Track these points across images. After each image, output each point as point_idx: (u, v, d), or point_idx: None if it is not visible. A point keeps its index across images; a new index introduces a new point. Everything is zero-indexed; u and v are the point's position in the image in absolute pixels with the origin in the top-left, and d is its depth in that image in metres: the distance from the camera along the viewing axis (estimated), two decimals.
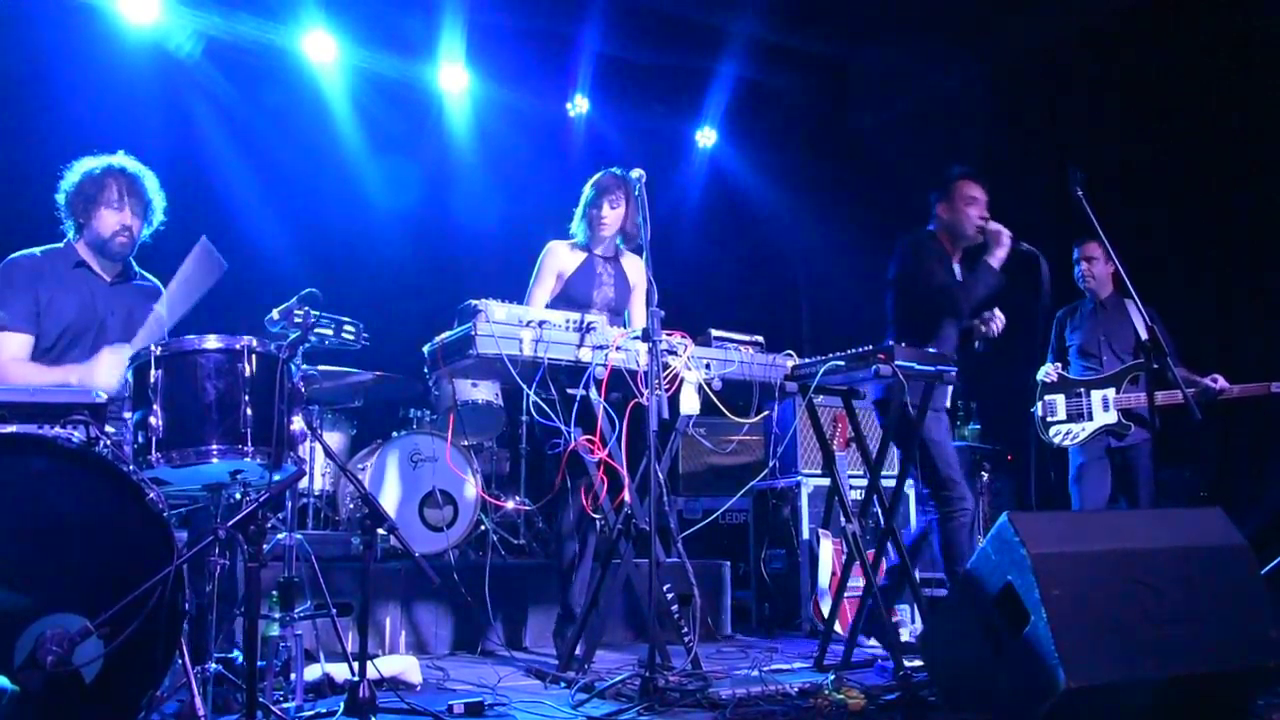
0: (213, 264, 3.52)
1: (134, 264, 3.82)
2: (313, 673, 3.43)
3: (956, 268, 4.66)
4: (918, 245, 4.65)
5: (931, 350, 4.21)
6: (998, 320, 4.63)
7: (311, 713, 3.08)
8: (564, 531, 4.44)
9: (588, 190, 4.60)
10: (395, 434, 5.62)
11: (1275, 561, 4.06)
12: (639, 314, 4.62)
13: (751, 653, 4.69)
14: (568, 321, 3.85)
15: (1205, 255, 6.22)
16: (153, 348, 2.90)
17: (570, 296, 4.49)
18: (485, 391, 5.87)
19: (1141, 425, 5.21)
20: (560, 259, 4.57)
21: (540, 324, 3.78)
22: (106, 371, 3.32)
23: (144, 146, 3.91)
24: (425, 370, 4.10)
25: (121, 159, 3.71)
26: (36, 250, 3.65)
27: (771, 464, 4.99)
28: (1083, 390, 5.40)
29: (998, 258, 4.49)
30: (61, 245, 3.70)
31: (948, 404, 4.74)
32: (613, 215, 4.53)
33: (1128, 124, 6.57)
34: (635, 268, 4.67)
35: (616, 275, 4.62)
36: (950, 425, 4.99)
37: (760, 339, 4.27)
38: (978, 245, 4.61)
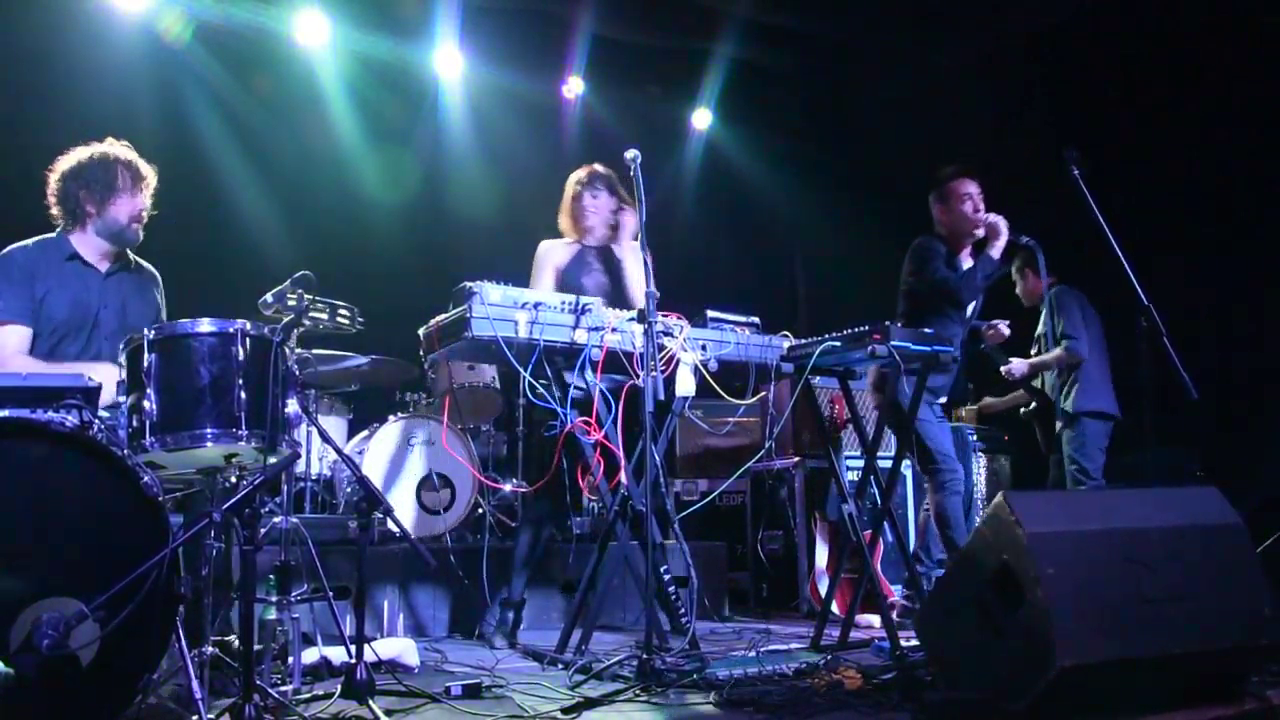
0: None
1: (129, 252, 3.79)
2: (310, 656, 3.44)
3: (968, 261, 4.87)
4: (919, 248, 4.91)
5: (927, 331, 4.21)
6: (1000, 331, 4.95)
7: (309, 695, 3.08)
8: (531, 518, 4.51)
9: (570, 186, 4.68)
10: (392, 417, 5.61)
11: (1271, 540, 4.06)
12: (632, 288, 4.61)
13: (748, 634, 4.70)
14: (563, 303, 3.84)
15: (1205, 238, 6.20)
16: (146, 331, 2.89)
17: (566, 287, 4.50)
18: (481, 374, 5.87)
19: None
20: (555, 254, 4.63)
21: (536, 306, 3.77)
22: (104, 379, 3.29)
23: (137, 132, 3.88)
24: (421, 354, 4.09)
25: (121, 147, 3.67)
26: (29, 242, 3.61)
27: (768, 445, 4.98)
28: None
29: (997, 248, 4.72)
30: (54, 236, 3.65)
31: (944, 397, 4.87)
32: (595, 205, 4.61)
33: (1126, 106, 6.54)
34: (627, 249, 4.68)
35: (608, 262, 4.64)
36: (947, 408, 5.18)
37: (756, 320, 4.26)
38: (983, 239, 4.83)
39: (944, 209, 4.94)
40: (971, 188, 4.89)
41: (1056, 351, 5.56)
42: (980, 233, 4.81)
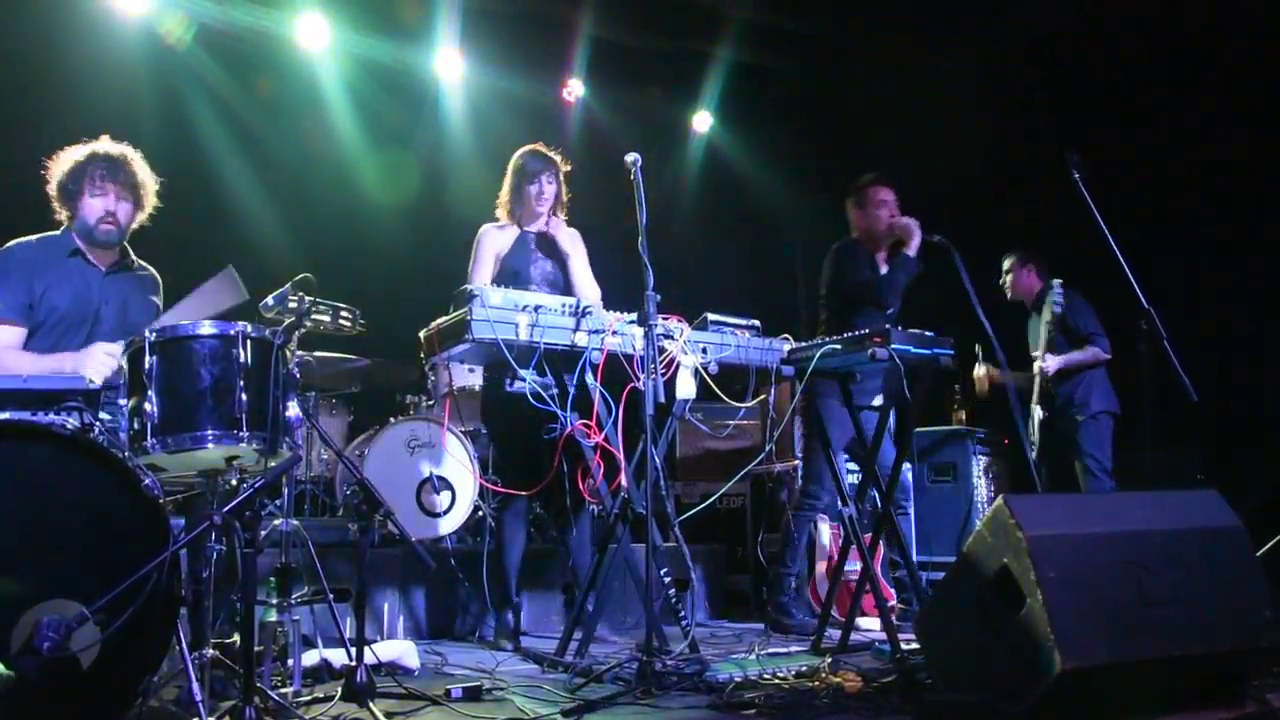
0: (233, 291, 3.48)
1: (130, 252, 3.81)
2: (310, 658, 3.44)
3: (884, 266, 5.05)
4: (839, 252, 5.10)
5: (929, 334, 4.20)
6: None
7: (309, 698, 3.08)
8: (515, 520, 4.51)
9: (517, 169, 4.60)
10: (392, 420, 5.61)
11: (1271, 543, 4.06)
12: (580, 281, 4.56)
13: (748, 636, 4.70)
14: (564, 306, 3.84)
15: (1205, 238, 6.20)
16: (147, 333, 2.90)
17: (509, 275, 4.46)
18: (481, 377, 5.86)
19: None
20: (495, 240, 4.58)
21: (536, 308, 3.77)
22: (96, 365, 3.31)
23: (139, 134, 3.89)
24: (421, 356, 4.09)
25: (104, 144, 3.68)
26: (33, 238, 3.65)
27: (768, 448, 4.97)
28: None
29: (913, 248, 4.88)
30: (59, 233, 3.69)
31: (878, 397, 4.78)
32: (550, 191, 4.56)
33: (1126, 107, 6.54)
34: (567, 237, 4.61)
35: (551, 250, 4.59)
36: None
37: (757, 323, 4.26)
38: (899, 241, 4.98)
39: (861, 214, 5.13)
40: (888, 195, 5.08)
41: (1084, 351, 5.62)
42: (892, 235, 4.98)
